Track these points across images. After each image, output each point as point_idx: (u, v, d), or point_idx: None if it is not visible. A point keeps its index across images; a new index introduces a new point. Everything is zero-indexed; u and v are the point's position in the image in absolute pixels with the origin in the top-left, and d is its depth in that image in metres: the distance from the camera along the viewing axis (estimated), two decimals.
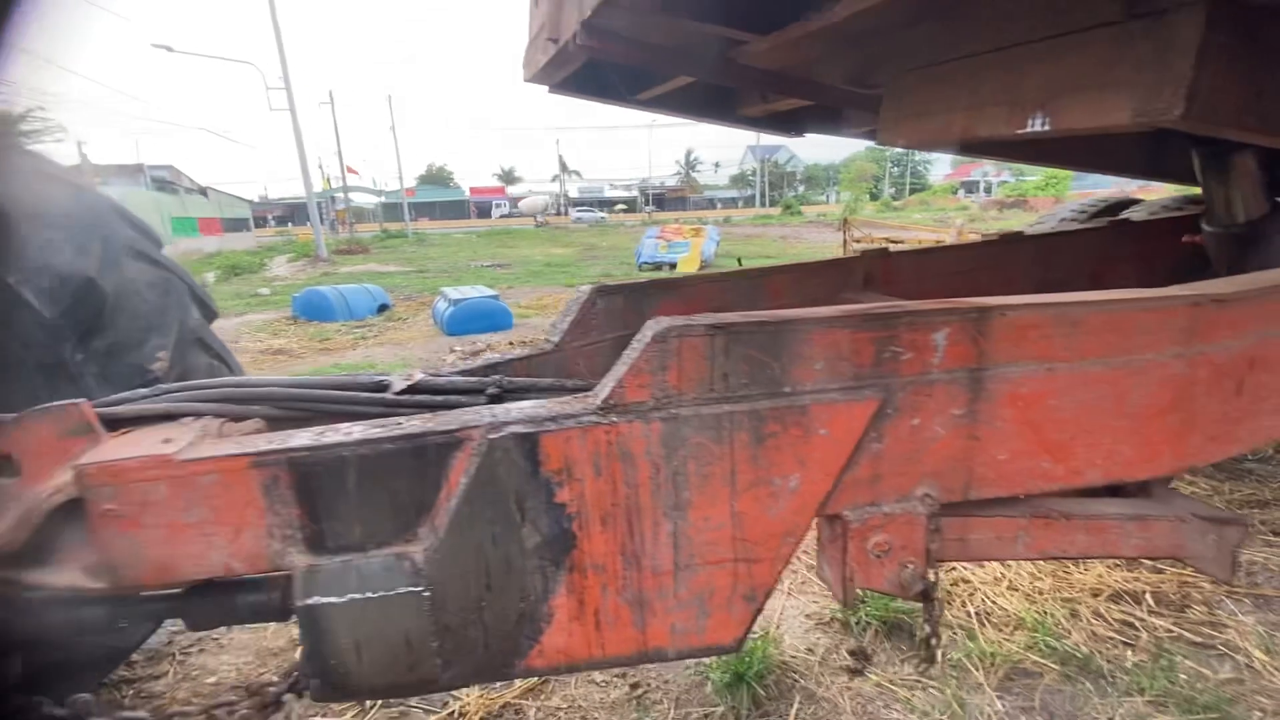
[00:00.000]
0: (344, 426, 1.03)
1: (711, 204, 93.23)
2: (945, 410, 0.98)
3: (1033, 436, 1.02)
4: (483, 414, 0.94)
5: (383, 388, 1.18)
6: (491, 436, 0.89)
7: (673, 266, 15.90)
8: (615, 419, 0.90)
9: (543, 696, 2.04)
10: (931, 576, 1.03)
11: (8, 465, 1.04)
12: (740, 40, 2.04)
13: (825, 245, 20.44)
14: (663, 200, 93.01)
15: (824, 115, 3.02)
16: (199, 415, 1.08)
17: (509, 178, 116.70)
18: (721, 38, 2.04)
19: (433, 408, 1.17)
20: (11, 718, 1.21)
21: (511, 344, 7.50)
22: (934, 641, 1.11)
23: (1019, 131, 1.63)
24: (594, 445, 0.90)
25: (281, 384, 1.14)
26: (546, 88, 2.83)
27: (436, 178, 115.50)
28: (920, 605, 1.06)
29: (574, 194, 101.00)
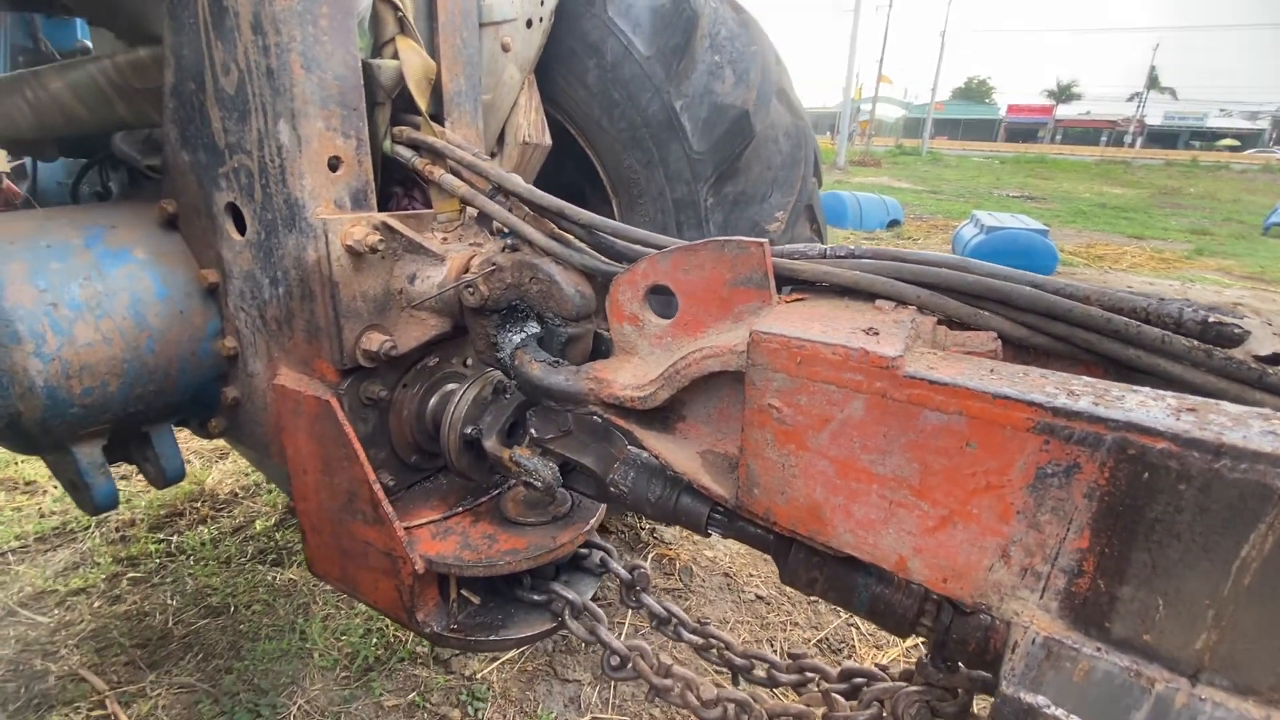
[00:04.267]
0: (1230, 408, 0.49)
1: None
2: None
3: None
4: None
5: (1226, 337, 0.59)
6: None
7: None
8: None
9: None
10: None
11: (661, 301, 0.85)
12: None
13: None
14: None
15: None
16: (901, 302, 0.68)
17: (1065, 93, 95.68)
18: None
19: None
20: (580, 561, 1.20)
21: None
22: None
23: None
24: None
25: (1026, 281, 0.65)
26: None
27: (973, 92, 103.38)
28: None
29: (1156, 120, 76.86)
